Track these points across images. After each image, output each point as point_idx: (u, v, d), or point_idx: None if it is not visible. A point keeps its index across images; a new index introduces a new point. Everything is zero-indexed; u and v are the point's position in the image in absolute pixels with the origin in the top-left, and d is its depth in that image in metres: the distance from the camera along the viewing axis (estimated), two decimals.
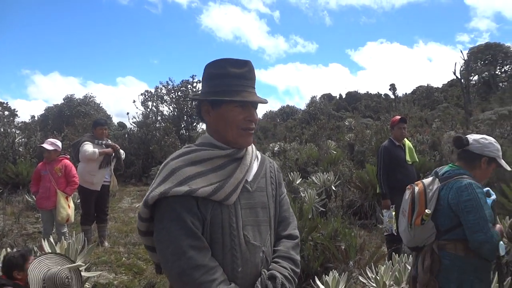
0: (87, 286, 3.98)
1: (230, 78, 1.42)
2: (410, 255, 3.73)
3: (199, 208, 1.35)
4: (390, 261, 3.54)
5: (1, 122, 14.21)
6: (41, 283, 2.73)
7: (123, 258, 5.23)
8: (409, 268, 3.31)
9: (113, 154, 5.86)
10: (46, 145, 5.44)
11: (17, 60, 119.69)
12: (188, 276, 1.27)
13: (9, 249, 3.63)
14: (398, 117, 4.93)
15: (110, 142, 5.96)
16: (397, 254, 3.68)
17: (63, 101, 31.26)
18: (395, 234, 4.54)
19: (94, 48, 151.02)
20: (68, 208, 5.35)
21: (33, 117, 24.05)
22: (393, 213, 4.54)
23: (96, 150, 5.60)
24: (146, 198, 1.37)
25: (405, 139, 4.96)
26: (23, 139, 12.82)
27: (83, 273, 3.83)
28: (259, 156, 1.60)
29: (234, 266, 1.35)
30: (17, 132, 13.79)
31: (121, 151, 6.13)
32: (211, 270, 1.29)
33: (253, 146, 1.57)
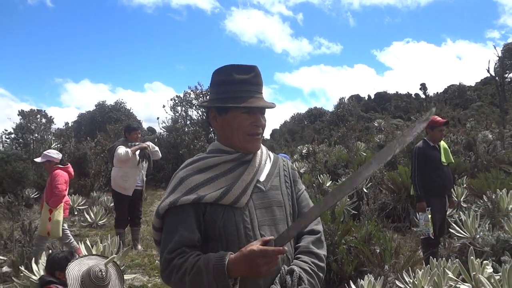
0: None
1: (235, 84, 1.44)
2: (449, 259, 3.61)
3: (208, 214, 1.37)
4: (428, 265, 3.43)
5: (39, 129, 14.73)
6: (79, 280, 2.83)
7: (156, 261, 5.30)
8: (449, 273, 3.20)
9: (145, 154, 5.93)
10: (36, 159, 5.42)
11: (50, 69, 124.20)
12: (173, 280, 1.32)
13: (50, 251, 3.74)
14: (439, 118, 4.72)
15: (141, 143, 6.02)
16: (434, 259, 3.56)
17: (95, 108, 32.14)
18: (432, 237, 4.41)
19: (121, 55, 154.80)
20: (47, 221, 4.91)
21: (67, 123, 24.77)
22: (429, 216, 4.40)
23: (129, 150, 5.70)
24: (157, 208, 1.42)
25: None
26: (58, 145, 13.26)
27: None
28: (271, 156, 1.61)
29: None
30: (53, 138, 14.27)
31: (156, 148, 6.19)
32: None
33: (264, 148, 1.58)
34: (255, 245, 1.25)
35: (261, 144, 1.55)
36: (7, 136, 14.26)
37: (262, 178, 1.49)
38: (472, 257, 3.18)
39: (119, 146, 5.80)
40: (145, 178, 6.09)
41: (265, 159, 1.55)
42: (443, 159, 4.61)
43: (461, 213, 5.23)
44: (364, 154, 12.84)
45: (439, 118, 4.70)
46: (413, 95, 48.12)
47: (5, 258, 5.12)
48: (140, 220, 6.27)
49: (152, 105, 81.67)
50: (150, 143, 6.11)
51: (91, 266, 2.90)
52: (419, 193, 4.51)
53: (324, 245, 1.53)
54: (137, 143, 5.95)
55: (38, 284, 3.14)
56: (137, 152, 5.84)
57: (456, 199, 6.63)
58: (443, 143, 4.79)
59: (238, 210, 1.38)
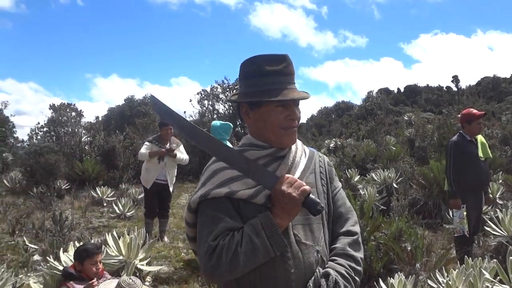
0: (148, 279, 4.08)
1: (267, 77, 1.35)
2: (486, 259, 3.43)
3: (241, 211, 1.30)
4: (463, 265, 3.27)
5: (69, 123, 15.12)
6: None
7: (182, 254, 5.31)
8: (485, 273, 3.03)
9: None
10: None
11: (80, 65, 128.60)
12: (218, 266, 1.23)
13: (76, 243, 3.79)
14: (476, 111, 4.48)
15: (170, 146, 6.02)
16: (470, 258, 3.39)
17: (124, 102, 32.74)
18: (467, 235, 4.22)
19: (148, 51, 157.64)
20: None
21: (97, 117, 25.40)
22: (464, 213, 4.20)
23: (146, 152, 5.86)
24: (189, 202, 1.36)
25: None
26: (88, 138, 13.59)
27: (144, 267, 3.93)
28: (307, 151, 1.50)
29: (287, 267, 1.27)
30: (83, 131, 14.61)
31: (183, 157, 6.18)
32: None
33: (299, 142, 1.48)
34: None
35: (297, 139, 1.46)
36: (39, 129, 14.70)
37: (297, 175, 1.38)
38: (511, 258, 3.01)
39: (145, 144, 6.08)
40: (169, 174, 6.05)
41: (300, 154, 1.45)
42: (480, 154, 4.38)
43: (497, 210, 5.00)
44: (394, 148, 12.54)
45: (476, 111, 4.47)
46: (444, 88, 46.81)
47: (37, 247, 5.24)
48: (168, 213, 6.33)
49: (179, 99, 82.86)
50: (178, 150, 6.09)
51: (119, 279, 2.92)
52: (454, 189, 4.30)
53: (361, 247, 1.43)
54: (164, 146, 5.98)
55: (61, 275, 3.18)
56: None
57: (491, 196, 6.36)
58: (480, 137, 4.56)
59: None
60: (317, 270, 1.30)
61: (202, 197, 1.31)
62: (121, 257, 3.79)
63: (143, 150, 5.94)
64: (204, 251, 1.25)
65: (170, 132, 6.09)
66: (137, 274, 3.83)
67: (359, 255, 1.39)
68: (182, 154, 6.17)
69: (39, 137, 14.39)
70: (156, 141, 6.01)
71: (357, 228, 1.45)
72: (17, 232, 6.20)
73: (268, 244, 1.22)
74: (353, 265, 1.34)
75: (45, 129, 14.43)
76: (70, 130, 13.82)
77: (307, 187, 1.26)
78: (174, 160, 6.02)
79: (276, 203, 1.26)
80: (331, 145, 16.49)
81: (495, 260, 3.22)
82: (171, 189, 6.10)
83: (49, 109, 15.63)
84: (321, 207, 1.26)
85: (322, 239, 1.37)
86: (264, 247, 1.22)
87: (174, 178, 6.22)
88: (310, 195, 1.26)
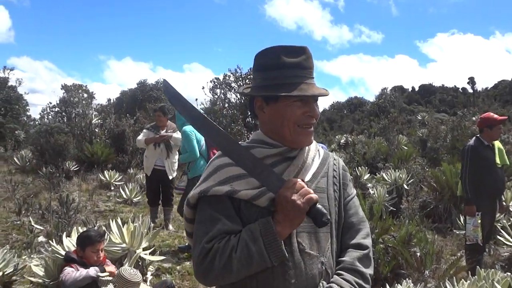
0: (150, 269, 4.03)
1: (285, 69, 1.25)
2: (498, 271, 3.32)
3: (242, 211, 1.23)
4: (475, 276, 3.15)
5: (81, 104, 15.14)
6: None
7: (187, 243, 5.26)
8: (498, 287, 2.92)
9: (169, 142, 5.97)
10: None
11: (94, 47, 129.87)
12: (211, 272, 1.17)
13: (80, 228, 3.75)
14: (497, 115, 4.31)
15: (164, 133, 5.97)
16: (482, 269, 3.28)
17: (136, 86, 32.78)
18: (480, 244, 4.09)
19: (162, 36, 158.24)
20: None
21: (109, 100, 25.41)
22: (479, 221, 4.07)
23: (143, 139, 5.97)
24: (187, 197, 1.29)
25: None
26: (99, 121, 13.57)
27: (147, 257, 3.88)
28: (321, 153, 1.40)
29: (286, 277, 1.18)
30: (94, 113, 14.62)
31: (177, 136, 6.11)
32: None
33: (314, 143, 1.38)
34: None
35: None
36: (51, 109, 14.75)
37: (307, 178, 1.28)
38: None
39: (143, 131, 6.24)
40: (167, 161, 5.98)
41: (313, 156, 1.34)
42: (497, 160, 4.24)
43: (511, 219, 4.86)
44: (405, 148, 12.36)
45: (497, 116, 4.31)
46: (460, 89, 46.16)
47: (42, 228, 5.25)
48: (172, 201, 6.26)
49: (190, 85, 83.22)
50: (173, 135, 6.01)
51: (124, 268, 2.91)
52: (469, 195, 4.17)
53: (371, 263, 1.32)
54: (160, 133, 5.95)
55: (62, 260, 3.15)
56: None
57: (505, 203, 6.21)
58: (497, 143, 4.40)
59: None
60: (321, 284, 1.21)
61: (201, 193, 1.24)
62: (124, 245, 3.74)
63: (140, 137, 6.08)
64: (198, 253, 1.19)
65: (163, 119, 6.05)
66: (140, 264, 3.79)
67: (369, 271, 1.29)
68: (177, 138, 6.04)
69: (50, 116, 14.49)
70: (153, 128, 6.07)
71: (368, 241, 1.35)
72: (23, 212, 6.21)
73: (265, 252, 1.14)
74: (361, 282, 1.24)
75: (56, 109, 14.49)
76: (81, 111, 13.85)
77: (314, 196, 1.15)
78: (172, 141, 5.95)
79: (279, 209, 1.18)
80: (342, 141, 16.34)
81: (508, 273, 3.10)
82: (170, 176, 6.00)
83: (61, 89, 15.71)
84: (327, 219, 1.15)
85: (328, 250, 1.28)
86: (260, 255, 1.14)
87: (176, 165, 6.15)
88: (317, 204, 1.16)
